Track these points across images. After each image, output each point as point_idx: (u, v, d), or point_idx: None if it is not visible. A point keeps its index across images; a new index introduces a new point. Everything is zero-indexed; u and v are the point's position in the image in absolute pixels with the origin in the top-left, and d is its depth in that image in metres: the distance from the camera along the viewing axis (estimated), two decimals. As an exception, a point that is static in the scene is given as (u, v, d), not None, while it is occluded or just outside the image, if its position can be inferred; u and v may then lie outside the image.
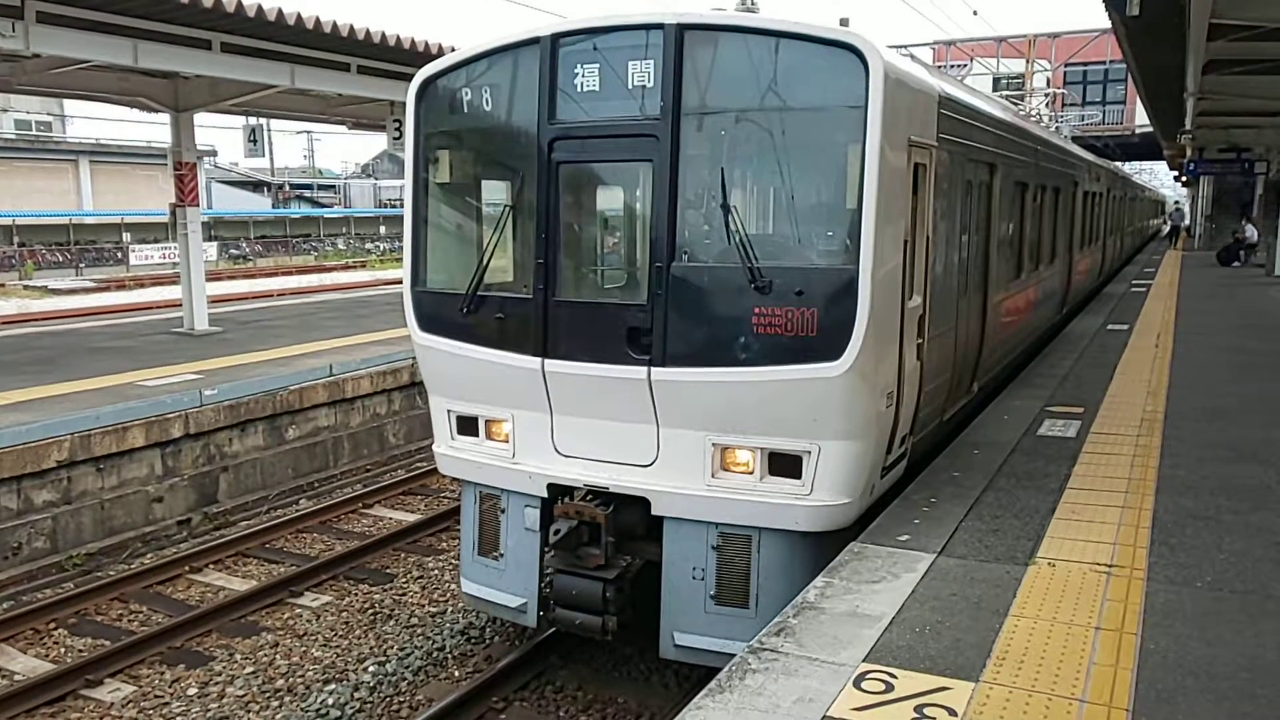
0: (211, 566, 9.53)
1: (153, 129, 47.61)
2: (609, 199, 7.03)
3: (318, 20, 12.14)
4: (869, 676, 4.21)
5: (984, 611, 4.87)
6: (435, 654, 7.57)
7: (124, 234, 46.10)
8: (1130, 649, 4.45)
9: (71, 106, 51.95)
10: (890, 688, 4.11)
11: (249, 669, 7.42)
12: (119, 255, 43.73)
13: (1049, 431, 8.57)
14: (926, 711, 3.91)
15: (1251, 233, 30.46)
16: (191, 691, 7.12)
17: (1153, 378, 11.10)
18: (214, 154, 55.70)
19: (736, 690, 4.12)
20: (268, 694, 7.05)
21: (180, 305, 16.79)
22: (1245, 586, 5.16)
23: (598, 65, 6.11)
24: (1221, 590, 5.12)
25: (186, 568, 9.39)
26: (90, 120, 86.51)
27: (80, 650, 7.82)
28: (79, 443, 9.64)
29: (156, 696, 7.07)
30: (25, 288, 34.81)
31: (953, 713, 3.91)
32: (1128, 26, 12.88)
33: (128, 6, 10.65)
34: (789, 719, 3.88)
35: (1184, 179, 49.66)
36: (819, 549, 5.98)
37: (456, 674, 7.31)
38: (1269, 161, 31.02)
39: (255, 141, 19.84)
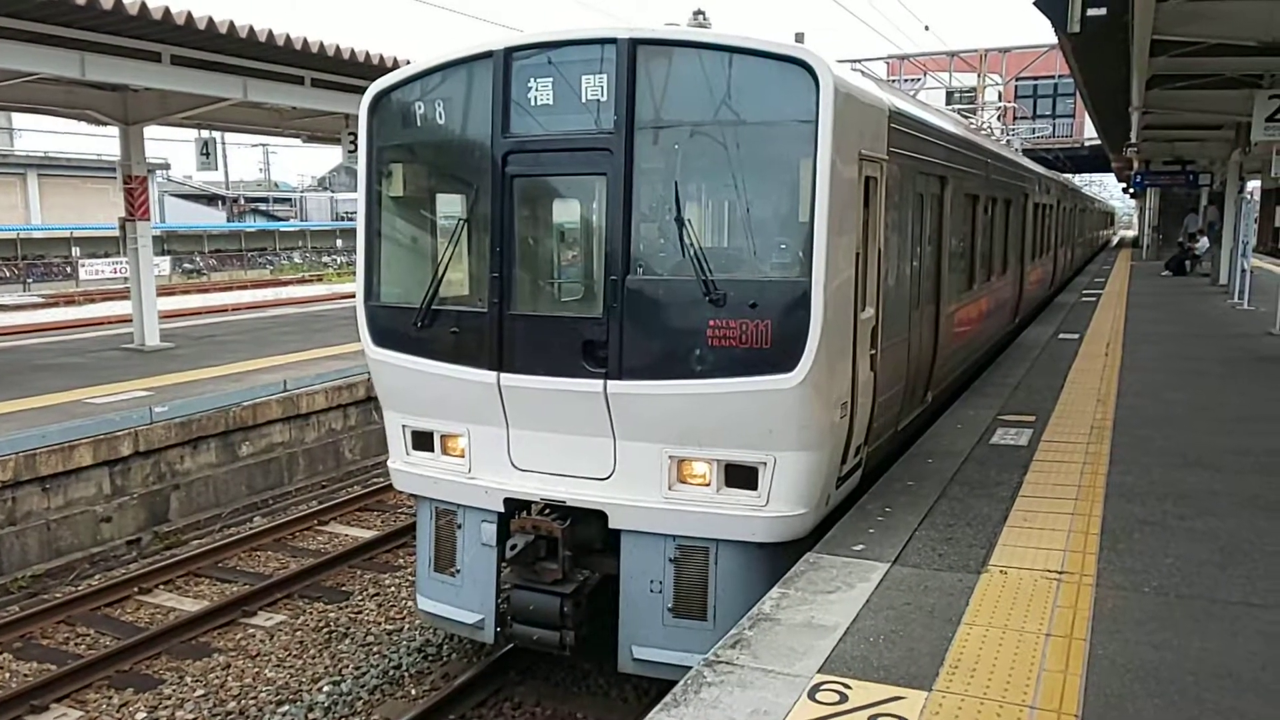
0: (162, 587, 9.35)
1: (103, 142, 46.73)
2: (564, 212, 7.03)
3: (270, 33, 12.02)
4: (824, 687, 4.22)
5: (937, 620, 4.91)
6: (391, 672, 7.48)
7: (73, 248, 45.26)
8: (1079, 655, 4.51)
9: (19, 119, 50.99)
10: (844, 698, 4.13)
11: (200, 691, 7.28)
12: (68, 270, 42.94)
13: (1001, 440, 8.69)
14: (880, 721, 3.94)
15: (1204, 242, 30.92)
16: (140, 716, 6.97)
17: (1102, 386, 11.31)
18: (166, 167, 54.91)
19: (691, 704, 4.12)
20: (219, 717, 6.92)
21: (131, 321, 16.49)
22: (1191, 591, 5.26)
23: (551, 79, 6.12)
24: (1168, 595, 5.21)
25: (136, 589, 9.20)
26: (39, 133, 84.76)
27: (25, 675, 7.62)
28: (24, 462, 9.41)
29: (104, 722, 6.91)
30: (-30, 304, 34.00)
31: (906, 722, 3.93)
32: (1073, 42, 13.14)
33: (74, 18, 10.47)
34: (744, 731, 3.88)
35: (1131, 191, 50.73)
36: (776, 560, 6.00)
37: (413, 692, 7.23)
38: (1213, 174, 31.77)
39: (208, 155, 19.51)
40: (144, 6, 10.49)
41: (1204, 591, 5.25)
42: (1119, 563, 5.67)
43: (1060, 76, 43.38)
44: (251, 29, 11.74)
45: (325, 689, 7.23)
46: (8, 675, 7.65)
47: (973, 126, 16.81)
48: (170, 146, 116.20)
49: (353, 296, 7.43)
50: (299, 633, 8.28)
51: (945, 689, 4.20)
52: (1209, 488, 7.19)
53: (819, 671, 4.37)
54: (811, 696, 4.15)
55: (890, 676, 4.31)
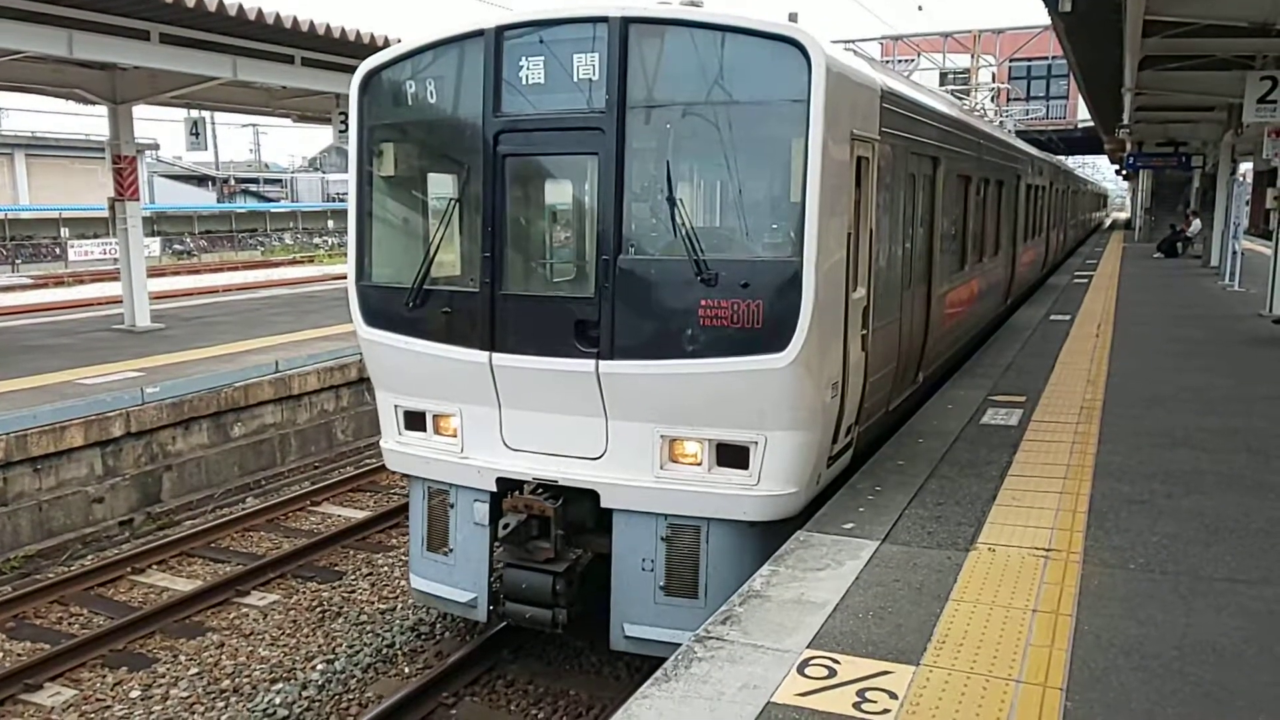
0: (155, 567, 9.36)
1: (91, 121, 46.40)
2: (555, 192, 7.02)
3: (260, 11, 11.94)
4: (813, 662, 4.27)
5: (925, 596, 4.96)
6: (385, 651, 7.52)
7: (62, 229, 44.94)
8: (1065, 630, 4.57)
9: (6, 98, 50.59)
10: (833, 673, 4.17)
11: (194, 670, 7.31)
12: (57, 251, 42.65)
13: (992, 420, 8.74)
14: (868, 695, 3.98)
15: (1197, 224, 31.06)
16: (134, 694, 7.00)
17: (1092, 367, 11.36)
18: (155, 147, 54.57)
19: (682, 679, 4.16)
20: (213, 695, 6.96)
21: (121, 302, 16.43)
22: (1176, 568, 5.32)
23: (543, 58, 6.10)
24: (1153, 572, 5.27)
25: (129, 569, 9.21)
26: (26, 113, 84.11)
27: (19, 654, 7.64)
28: (15, 443, 9.40)
29: (98, 700, 6.94)
30: (-42, 285, 33.80)
31: (894, 696, 3.98)
32: (1066, 23, 13.14)
33: (61, -5, 10.39)
34: (734, 706, 3.93)
35: (1124, 173, 50.78)
36: (766, 538, 6.04)
37: (406, 670, 7.27)
38: (1205, 155, 31.81)
39: (197, 135, 19.38)
40: (132, -16, 10.41)
41: (1189, 568, 5.31)
42: (1106, 540, 5.73)
43: (1054, 58, 43.29)
44: (241, 7, 11.65)
45: (319, 667, 7.27)
46: (2, 655, 7.67)
47: (966, 108, 16.79)
48: (160, 126, 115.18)
49: (344, 277, 7.41)
50: (292, 612, 8.31)
51: (932, 663, 4.25)
52: (1196, 467, 7.24)
53: (808, 647, 4.41)
54: (801, 671, 4.19)
55: (878, 651, 4.36)
